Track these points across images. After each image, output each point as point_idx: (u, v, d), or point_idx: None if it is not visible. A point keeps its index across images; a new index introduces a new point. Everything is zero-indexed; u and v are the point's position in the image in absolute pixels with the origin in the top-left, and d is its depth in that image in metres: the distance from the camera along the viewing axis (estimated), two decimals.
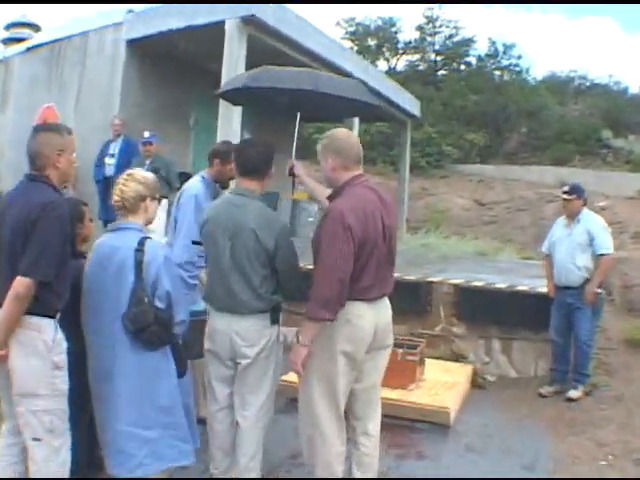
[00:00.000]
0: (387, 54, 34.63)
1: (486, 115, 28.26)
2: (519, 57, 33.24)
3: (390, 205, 3.62)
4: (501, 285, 7.52)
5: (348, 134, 3.69)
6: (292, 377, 4.46)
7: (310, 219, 12.15)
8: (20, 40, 12.75)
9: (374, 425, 3.78)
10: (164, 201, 8.51)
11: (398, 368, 5.62)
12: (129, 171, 3.66)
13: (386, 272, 3.60)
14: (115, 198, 3.53)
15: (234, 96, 5.28)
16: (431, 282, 7.71)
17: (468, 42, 33.27)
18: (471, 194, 22.11)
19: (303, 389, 3.61)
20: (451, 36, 33.48)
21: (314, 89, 4.53)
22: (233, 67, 8.83)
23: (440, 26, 33.46)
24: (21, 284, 2.97)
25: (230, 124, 8.90)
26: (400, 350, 5.78)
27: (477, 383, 6.60)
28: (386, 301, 3.71)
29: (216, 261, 3.68)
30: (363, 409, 3.73)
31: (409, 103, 16.51)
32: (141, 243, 3.38)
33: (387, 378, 5.54)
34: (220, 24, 8.96)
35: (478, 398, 6.24)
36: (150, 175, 3.71)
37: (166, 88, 10.94)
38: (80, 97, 10.92)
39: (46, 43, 11.69)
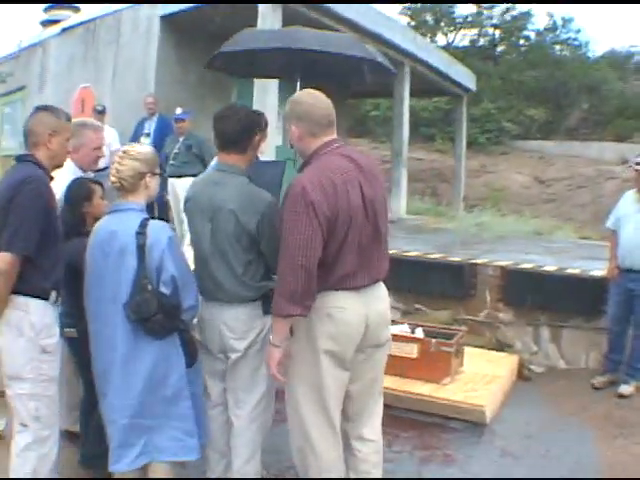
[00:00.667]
0: (445, 29, 33.69)
1: (546, 90, 27.25)
2: (578, 31, 32.14)
3: (372, 173, 3.05)
4: (551, 268, 6.97)
5: (312, 96, 3.12)
6: None
7: None
8: (57, 22, 12.83)
9: (371, 428, 3.25)
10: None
11: (431, 360, 5.20)
12: (124, 148, 3.37)
13: (374, 253, 3.03)
14: (112, 179, 3.24)
15: (222, 65, 4.96)
16: (475, 264, 7.17)
17: (525, 16, 32.10)
18: (531, 171, 21.38)
19: (288, 394, 3.15)
20: (508, 10, 32.32)
21: (290, 46, 4.29)
22: None
23: None
24: (2, 259, 2.92)
25: (265, 97, 8.57)
26: (433, 340, 5.31)
27: (523, 375, 6.09)
28: (380, 288, 3.14)
29: (197, 246, 3.35)
30: (357, 411, 3.21)
31: (463, 77, 15.96)
32: (143, 225, 3.11)
33: (419, 370, 5.23)
34: None
35: (522, 391, 5.75)
36: (147, 149, 3.40)
37: (205, 62, 10.60)
38: (116, 75, 10.83)
39: (80, 23, 11.70)
